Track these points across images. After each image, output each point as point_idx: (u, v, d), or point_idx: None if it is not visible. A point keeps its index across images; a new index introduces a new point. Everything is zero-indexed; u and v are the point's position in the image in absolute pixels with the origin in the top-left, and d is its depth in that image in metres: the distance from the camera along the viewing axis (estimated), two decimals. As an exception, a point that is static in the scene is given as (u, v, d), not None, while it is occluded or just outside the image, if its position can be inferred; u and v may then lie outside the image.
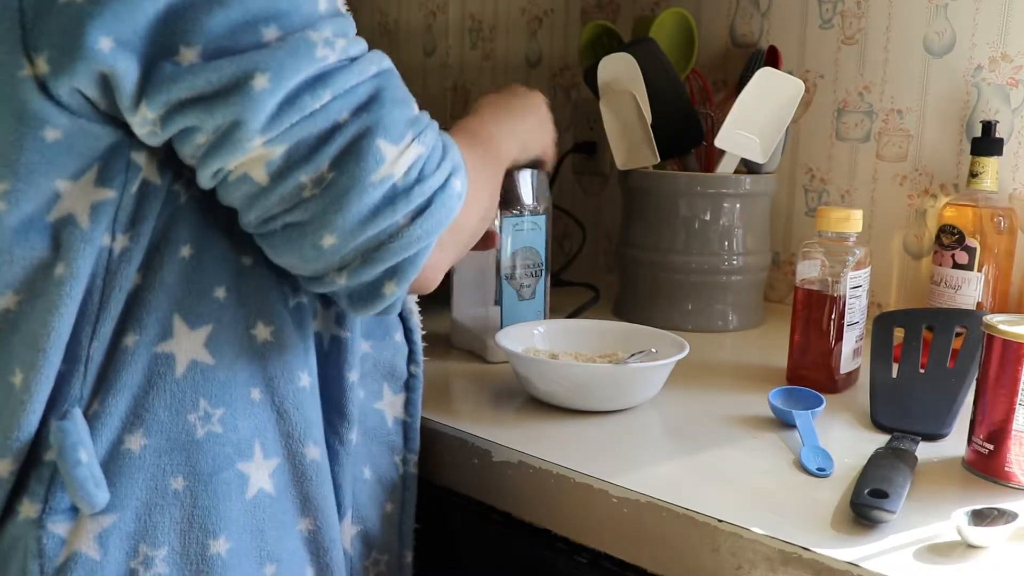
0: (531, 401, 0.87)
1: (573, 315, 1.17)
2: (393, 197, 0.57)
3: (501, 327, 0.96)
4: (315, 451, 0.65)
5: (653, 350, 0.90)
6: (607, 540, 0.70)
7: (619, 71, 1.12)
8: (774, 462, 0.74)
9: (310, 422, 0.65)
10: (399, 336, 0.75)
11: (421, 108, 0.62)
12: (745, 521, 0.63)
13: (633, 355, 0.90)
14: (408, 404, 0.76)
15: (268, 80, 0.53)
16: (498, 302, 1.00)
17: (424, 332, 0.78)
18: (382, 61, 0.59)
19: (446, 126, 0.67)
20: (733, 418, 0.84)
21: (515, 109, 0.83)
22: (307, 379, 0.65)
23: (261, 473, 0.63)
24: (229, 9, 0.52)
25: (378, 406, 0.74)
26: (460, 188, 0.60)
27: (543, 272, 1.01)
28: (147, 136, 0.55)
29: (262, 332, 0.63)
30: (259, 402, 0.63)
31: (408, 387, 0.76)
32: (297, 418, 0.64)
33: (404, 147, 0.57)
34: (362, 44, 0.59)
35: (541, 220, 1.00)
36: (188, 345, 0.60)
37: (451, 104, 1.77)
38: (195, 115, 0.53)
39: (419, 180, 0.58)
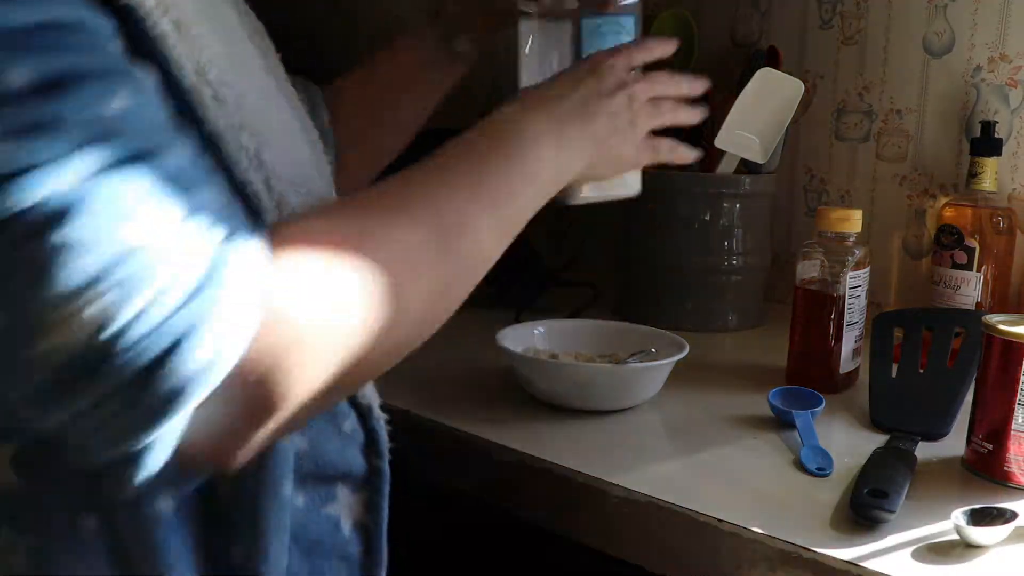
0: (531, 401, 0.87)
1: (573, 315, 1.17)
2: (73, 375, 0.39)
3: None
4: None
5: (653, 350, 0.90)
6: (607, 540, 0.70)
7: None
8: (774, 462, 0.75)
9: (169, 558, 0.50)
10: (349, 424, 0.59)
11: None
12: (745, 521, 0.63)
13: (633, 355, 0.91)
14: (371, 506, 0.60)
15: None
16: None
17: (388, 417, 0.63)
18: (99, 157, 0.39)
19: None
20: (733, 418, 0.84)
21: (569, 113, 0.63)
22: (168, 503, 0.49)
23: None
24: None
25: (329, 511, 0.58)
26: (204, 361, 0.40)
27: None
28: None
29: None
30: (94, 532, 0.49)
31: (370, 484, 0.60)
32: (147, 554, 0.49)
33: (78, 308, 0.38)
34: (66, 138, 0.39)
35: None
36: None
37: (451, 105, 1.77)
38: None
39: (109, 356, 0.38)
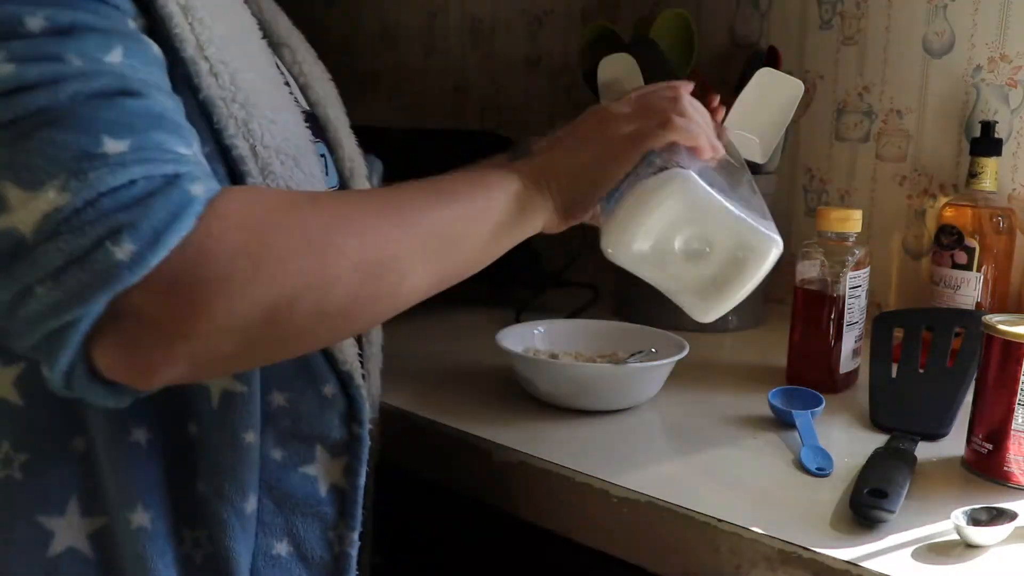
0: (531, 401, 0.87)
1: (573, 315, 1.17)
2: (17, 256, 0.45)
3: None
4: (142, 517, 0.56)
5: (653, 350, 0.90)
6: (607, 540, 0.70)
7: (619, 71, 1.12)
8: (774, 462, 0.75)
9: (140, 483, 0.56)
10: (330, 388, 0.62)
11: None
12: (745, 521, 0.63)
13: (633, 355, 0.91)
14: (349, 471, 0.63)
15: None
16: None
17: (364, 386, 0.65)
18: (88, 80, 0.46)
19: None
20: (733, 418, 0.84)
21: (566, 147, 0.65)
22: (142, 435, 0.56)
23: (74, 531, 0.56)
24: None
25: (306, 470, 0.62)
26: (128, 255, 0.45)
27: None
28: None
29: None
30: (82, 453, 0.56)
31: (350, 450, 0.63)
32: (121, 477, 0.56)
33: (38, 194, 0.45)
34: (60, 66, 0.46)
35: None
36: None
37: (451, 104, 1.77)
38: None
39: (53, 237, 0.45)
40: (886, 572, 0.57)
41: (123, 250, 0.45)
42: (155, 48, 0.52)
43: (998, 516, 0.62)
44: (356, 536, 0.64)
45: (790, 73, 1.13)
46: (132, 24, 0.51)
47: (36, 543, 0.56)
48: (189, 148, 0.50)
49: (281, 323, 0.49)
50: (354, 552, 0.64)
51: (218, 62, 0.55)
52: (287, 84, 0.66)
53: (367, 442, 0.64)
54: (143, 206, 0.45)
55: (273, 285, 0.48)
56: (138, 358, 0.47)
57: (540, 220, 0.62)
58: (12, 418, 0.55)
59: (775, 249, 0.62)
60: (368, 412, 0.64)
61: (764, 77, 1.08)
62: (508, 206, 0.60)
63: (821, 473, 0.71)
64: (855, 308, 0.92)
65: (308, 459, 0.62)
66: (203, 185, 0.48)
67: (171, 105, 0.50)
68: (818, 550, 0.59)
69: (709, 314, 0.66)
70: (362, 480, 0.64)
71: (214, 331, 0.47)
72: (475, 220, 0.59)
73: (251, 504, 0.59)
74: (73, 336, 0.46)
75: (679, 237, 0.63)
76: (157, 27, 0.53)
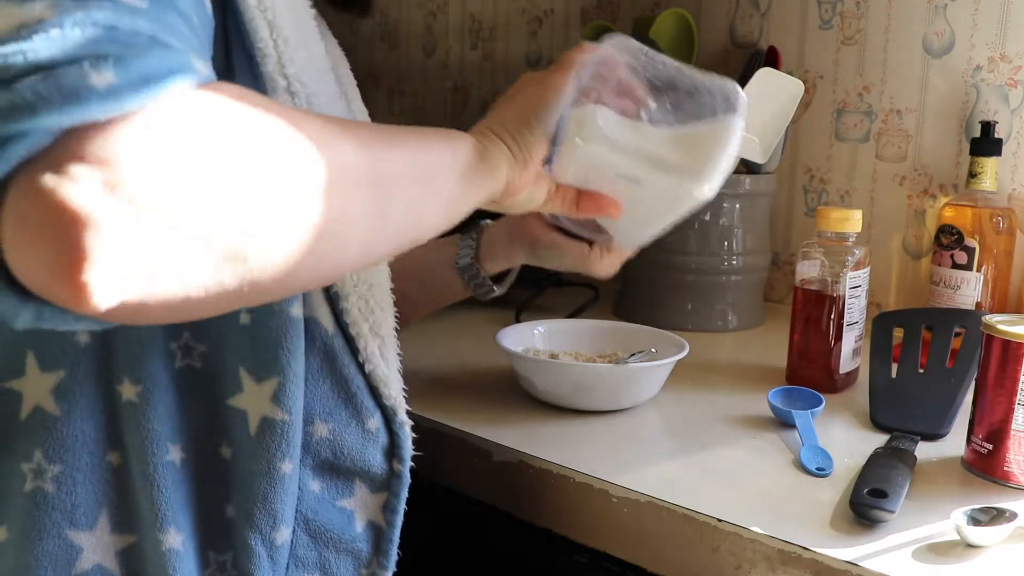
0: (531, 401, 0.87)
1: (573, 315, 1.17)
2: None
3: None
4: (175, 539, 0.55)
5: (653, 350, 0.90)
6: (607, 540, 0.70)
7: (619, 71, 1.12)
8: (774, 462, 0.75)
9: (174, 503, 0.55)
10: (374, 423, 0.61)
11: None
12: (745, 521, 0.63)
13: (633, 355, 0.91)
14: (387, 508, 0.63)
15: None
16: None
17: (413, 424, 0.64)
18: None
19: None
20: (733, 418, 0.84)
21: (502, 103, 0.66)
22: (178, 454, 0.56)
23: (102, 548, 0.55)
24: None
25: (343, 504, 0.61)
26: (105, 84, 0.36)
27: None
28: None
29: (128, 391, 0.54)
30: (115, 468, 0.55)
31: (389, 487, 0.63)
32: (155, 495, 0.55)
33: (24, 4, 0.37)
34: None
35: None
36: (35, 388, 0.54)
37: (451, 104, 1.77)
38: None
39: (18, 40, 0.36)
40: (886, 572, 0.57)
41: (101, 77, 0.36)
42: (211, 18, 0.47)
43: (998, 516, 0.62)
44: None
45: (790, 73, 1.14)
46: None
47: (64, 559, 0.54)
48: (206, 52, 0.45)
49: (258, 226, 0.40)
50: None
51: (296, 81, 0.55)
52: None
53: (407, 480, 0.63)
54: (140, 48, 0.37)
55: (259, 165, 0.40)
56: (69, 238, 0.35)
57: (502, 167, 0.61)
58: (47, 428, 0.54)
59: (738, 92, 0.63)
60: (410, 449, 0.63)
61: (764, 77, 1.08)
62: (470, 153, 0.59)
63: (821, 473, 0.71)
64: (855, 308, 0.92)
65: (347, 493, 0.61)
66: (207, 70, 0.41)
67: (199, 28, 0.44)
68: (818, 550, 0.59)
69: (704, 178, 0.63)
70: (399, 518, 0.63)
71: (183, 216, 0.37)
72: (446, 160, 0.57)
73: (283, 535, 0.58)
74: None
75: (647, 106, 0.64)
76: (242, 40, 0.53)
